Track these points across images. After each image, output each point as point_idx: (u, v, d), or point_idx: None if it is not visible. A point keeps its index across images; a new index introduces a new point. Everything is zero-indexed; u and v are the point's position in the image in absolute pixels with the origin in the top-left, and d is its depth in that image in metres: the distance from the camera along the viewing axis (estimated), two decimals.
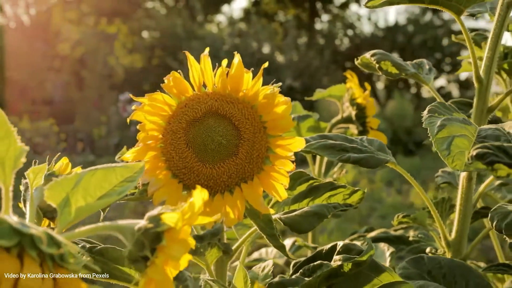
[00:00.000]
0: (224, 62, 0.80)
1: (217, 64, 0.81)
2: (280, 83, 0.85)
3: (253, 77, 0.79)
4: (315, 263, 0.80)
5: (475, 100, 0.93)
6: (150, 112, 0.81)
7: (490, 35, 0.93)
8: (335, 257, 0.81)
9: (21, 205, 0.79)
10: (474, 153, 0.67)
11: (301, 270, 0.81)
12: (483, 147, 0.67)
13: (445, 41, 16.76)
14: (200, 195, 0.54)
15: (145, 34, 19.35)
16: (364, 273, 0.81)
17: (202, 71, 0.80)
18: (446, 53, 16.50)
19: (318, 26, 19.82)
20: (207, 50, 0.82)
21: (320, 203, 0.85)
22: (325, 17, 20.36)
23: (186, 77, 0.82)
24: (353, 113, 1.33)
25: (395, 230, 1.26)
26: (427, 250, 1.03)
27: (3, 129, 0.53)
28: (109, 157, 9.01)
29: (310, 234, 1.41)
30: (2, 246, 0.44)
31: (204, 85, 0.81)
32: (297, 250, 1.41)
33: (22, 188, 0.76)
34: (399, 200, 6.62)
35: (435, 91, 0.97)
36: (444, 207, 1.07)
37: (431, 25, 18.08)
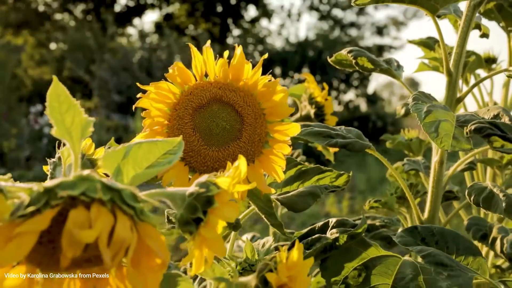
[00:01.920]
0: (226, 53, 0.86)
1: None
2: (278, 79, 0.92)
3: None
4: (313, 236, 0.87)
5: (445, 91, 1.03)
6: (156, 99, 0.86)
7: (458, 33, 1.03)
8: (332, 230, 0.88)
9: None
10: (473, 127, 0.77)
11: None
12: (479, 123, 0.77)
13: None
14: (244, 162, 0.60)
15: (53, 46, 18.97)
16: (354, 247, 0.89)
17: (204, 62, 0.86)
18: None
19: (229, 40, 20.02)
20: (208, 42, 0.87)
21: (313, 184, 0.92)
22: (236, 31, 20.59)
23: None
24: (312, 111, 1.41)
25: (354, 220, 1.34)
26: (399, 230, 1.12)
27: (67, 102, 0.58)
28: (20, 170, 8.78)
29: (271, 229, 1.48)
30: (101, 199, 0.48)
31: (206, 75, 0.87)
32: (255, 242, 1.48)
33: (49, 167, 0.79)
34: (316, 210, 6.79)
35: (406, 85, 1.06)
36: (412, 191, 1.16)
37: (339, 40, 18.61)
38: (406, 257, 0.89)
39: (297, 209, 0.88)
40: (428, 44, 1.25)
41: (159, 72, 14.86)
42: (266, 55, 0.86)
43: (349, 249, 0.88)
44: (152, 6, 21.18)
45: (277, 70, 18.07)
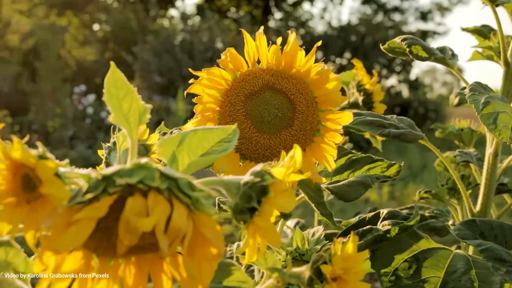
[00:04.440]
0: (279, 40, 0.85)
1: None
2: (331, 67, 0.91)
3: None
4: (365, 228, 0.86)
5: (502, 82, 1.01)
6: (208, 85, 0.85)
7: None
8: (384, 222, 0.87)
9: (100, 168, 0.83)
10: None
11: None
12: None
13: None
14: (300, 152, 0.59)
15: (96, 27, 19.14)
16: (404, 239, 0.88)
17: (257, 48, 0.85)
18: None
19: (271, 23, 19.94)
20: (261, 28, 0.86)
21: (365, 174, 0.91)
22: (278, 15, 20.49)
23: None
24: (360, 98, 1.39)
25: (401, 209, 1.33)
26: (450, 222, 1.10)
27: (124, 89, 0.58)
28: (64, 149, 8.90)
29: (316, 215, 1.47)
30: (158, 188, 0.48)
31: (258, 62, 0.86)
32: (301, 229, 1.47)
33: (104, 151, 0.80)
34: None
35: (460, 74, 1.04)
36: (464, 183, 1.14)
37: (382, 25, 18.39)
38: (458, 250, 0.88)
39: (348, 199, 0.87)
40: (482, 32, 1.22)
41: (200, 54, 14.89)
42: (319, 43, 0.85)
43: (400, 240, 0.87)
44: None
45: (319, 55, 17.96)
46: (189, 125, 0.85)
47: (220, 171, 0.84)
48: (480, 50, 1.25)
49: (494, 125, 0.79)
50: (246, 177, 0.60)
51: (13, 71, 14.56)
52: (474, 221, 0.88)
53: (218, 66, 0.86)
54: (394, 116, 1.01)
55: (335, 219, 1.16)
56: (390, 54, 1.08)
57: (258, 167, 0.61)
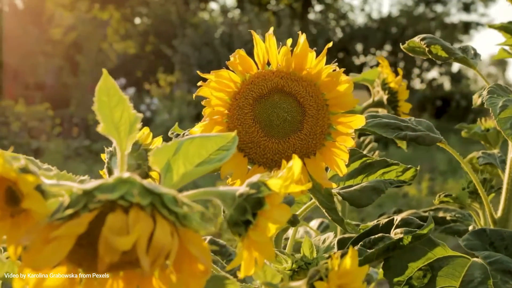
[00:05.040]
0: (289, 41, 0.83)
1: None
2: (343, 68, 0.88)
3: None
4: (376, 236, 0.84)
5: None
6: (216, 88, 0.84)
7: None
8: (396, 230, 0.84)
9: (103, 172, 0.82)
10: None
11: (361, 243, 0.84)
12: None
13: (437, 34, 16.81)
14: (298, 163, 0.56)
15: (137, 20, 19.30)
16: (419, 247, 0.85)
17: (267, 50, 0.83)
18: None
19: (311, 16, 19.84)
20: (271, 29, 0.84)
21: (378, 179, 0.88)
22: (318, 7, 20.37)
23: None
24: (385, 97, 1.36)
25: (425, 211, 1.29)
26: (470, 227, 1.07)
27: (116, 97, 0.56)
28: (104, 142, 9.00)
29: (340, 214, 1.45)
30: (140, 204, 0.46)
31: (268, 63, 0.84)
32: (325, 230, 1.45)
33: (106, 156, 0.79)
34: (394, 190, 6.69)
35: (482, 75, 1.00)
36: (485, 187, 1.11)
37: (424, 17, 18.15)
38: (476, 259, 0.85)
39: (359, 205, 0.85)
40: (509, 29, 1.18)
41: (240, 47, 14.82)
42: (330, 44, 0.82)
43: (414, 248, 0.84)
44: None
45: (358, 47, 17.79)
46: (197, 129, 0.84)
47: (228, 175, 0.82)
48: (507, 48, 1.21)
49: (510, 130, 0.75)
50: (242, 188, 0.58)
51: (56, 65, 14.79)
52: (484, 230, 0.85)
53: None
54: (412, 118, 0.98)
55: (355, 223, 1.14)
56: (411, 54, 1.05)
57: (255, 177, 0.59)
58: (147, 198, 0.47)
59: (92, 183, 0.48)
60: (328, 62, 0.82)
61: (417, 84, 17.56)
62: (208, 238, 1.09)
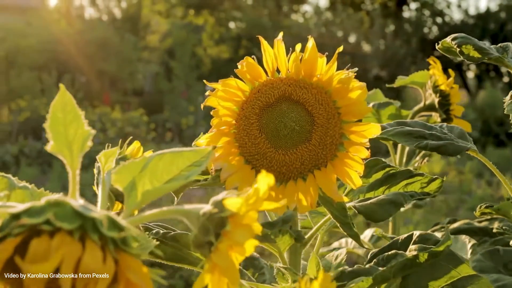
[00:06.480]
0: (298, 46, 0.79)
1: (290, 49, 0.80)
2: (356, 68, 0.83)
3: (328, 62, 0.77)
4: (389, 252, 0.78)
5: None
6: (224, 97, 0.80)
7: None
8: (411, 246, 0.78)
9: (95, 188, 0.80)
10: None
11: (375, 260, 0.79)
12: None
13: None
14: (265, 180, 0.52)
15: (231, 25, 19.51)
16: (441, 264, 0.79)
17: (275, 56, 0.79)
18: None
19: (406, 14, 19.43)
20: (281, 34, 0.80)
21: (396, 191, 0.83)
22: (413, 5, 19.92)
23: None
24: (436, 100, 1.29)
25: (479, 222, 1.21)
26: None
27: (72, 113, 0.54)
28: None
29: (390, 225, 1.38)
30: (64, 228, 0.44)
31: (278, 71, 0.80)
32: (377, 241, 1.39)
33: (95, 172, 0.77)
34: (489, 193, 6.43)
35: None
36: None
37: None
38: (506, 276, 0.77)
39: (376, 219, 0.79)
40: None
41: (332, 50, 14.73)
42: (340, 48, 0.77)
43: (435, 265, 0.78)
44: None
45: None
46: (202, 140, 0.81)
47: (233, 188, 0.79)
48: None
49: None
50: (206, 207, 0.55)
51: (152, 71, 15.18)
52: (497, 250, 0.76)
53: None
54: (444, 124, 0.91)
55: (390, 236, 1.08)
56: (447, 55, 0.98)
57: (220, 195, 0.55)
58: (76, 222, 0.45)
59: (22, 206, 0.46)
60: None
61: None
62: None
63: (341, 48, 0.78)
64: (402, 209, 1.40)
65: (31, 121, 9.80)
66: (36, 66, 12.24)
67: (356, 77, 0.78)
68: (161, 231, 0.80)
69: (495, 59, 0.89)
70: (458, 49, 0.90)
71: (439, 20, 18.27)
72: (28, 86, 11.12)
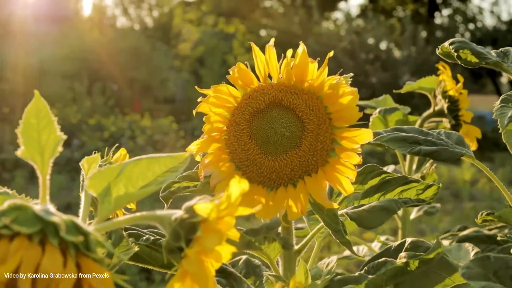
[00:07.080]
0: (289, 52, 0.78)
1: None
2: (351, 74, 0.82)
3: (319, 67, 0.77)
4: (379, 260, 0.77)
5: None
6: (215, 104, 0.81)
7: None
8: (401, 254, 0.77)
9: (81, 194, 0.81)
10: None
11: (365, 268, 0.78)
12: None
13: None
14: (237, 185, 0.52)
15: (262, 32, 19.56)
16: (435, 272, 0.77)
17: (267, 62, 0.79)
18: None
19: (437, 20, 19.28)
20: (272, 40, 0.80)
21: (391, 198, 0.81)
22: (445, 11, 19.76)
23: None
24: (445, 106, 1.27)
25: (490, 230, 1.19)
26: None
27: (45, 118, 0.54)
28: None
29: (400, 232, 1.37)
30: (22, 233, 0.44)
31: (270, 76, 0.80)
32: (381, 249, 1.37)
33: (81, 178, 0.78)
34: None
35: None
36: None
37: None
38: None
39: (368, 226, 0.78)
40: None
41: (362, 55, 14.72)
42: (331, 53, 0.77)
43: (428, 273, 0.77)
44: None
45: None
46: (193, 147, 0.81)
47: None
48: None
49: None
50: (178, 212, 0.54)
51: (183, 79, 15.27)
52: (488, 257, 0.75)
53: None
54: (442, 130, 0.89)
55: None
56: (447, 60, 0.96)
57: (193, 200, 0.55)
58: (35, 226, 0.45)
59: None
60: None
61: None
62: (244, 257, 1.05)
63: (331, 53, 0.77)
64: (411, 217, 1.39)
65: (62, 129, 9.89)
66: (68, 74, 12.39)
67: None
68: (152, 238, 0.80)
69: (493, 63, 0.88)
70: (455, 54, 0.89)
71: (471, 26, 18.10)
72: (60, 94, 11.25)
